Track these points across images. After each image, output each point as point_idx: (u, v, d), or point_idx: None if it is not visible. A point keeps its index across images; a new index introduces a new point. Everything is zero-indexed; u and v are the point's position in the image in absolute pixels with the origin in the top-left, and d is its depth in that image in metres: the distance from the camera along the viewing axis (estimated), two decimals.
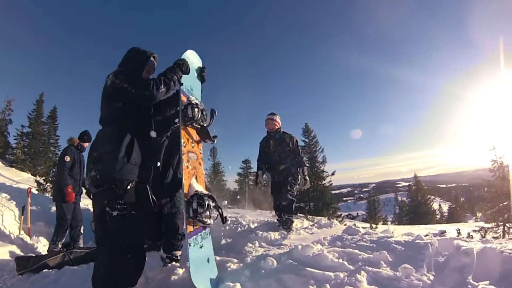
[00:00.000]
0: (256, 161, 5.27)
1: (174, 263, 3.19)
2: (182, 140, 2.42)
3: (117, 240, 2.00)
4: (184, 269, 2.84)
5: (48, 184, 12.75)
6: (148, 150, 2.28)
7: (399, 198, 65.22)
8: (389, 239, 2.94)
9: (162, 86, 2.15)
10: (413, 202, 39.58)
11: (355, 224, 10.82)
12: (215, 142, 2.79)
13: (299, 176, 4.93)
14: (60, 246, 5.09)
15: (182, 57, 2.52)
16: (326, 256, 2.52)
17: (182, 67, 2.35)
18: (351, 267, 2.35)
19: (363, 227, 13.12)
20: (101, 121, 2.27)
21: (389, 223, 38.17)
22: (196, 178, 2.53)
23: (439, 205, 55.22)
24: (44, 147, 24.85)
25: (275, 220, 5.05)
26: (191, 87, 2.75)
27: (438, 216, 44.75)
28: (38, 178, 14.05)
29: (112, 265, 2.01)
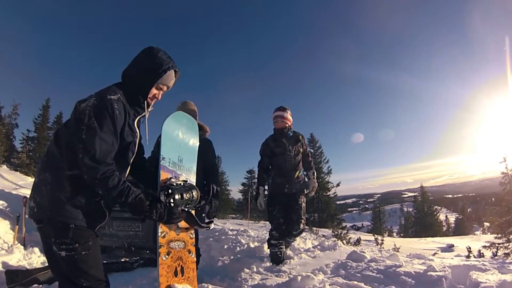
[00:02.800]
0: (257, 171, 4.34)
1: None
2: (160, 230, 2.00)
3: (74, 283, 1.65)
4: None
5: None
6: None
7: (405, 209, 64.40)
8: (397, 269, 2.67)
9: (116, 192, 1.56)
10: (419, 213, 38.96)
11: (359, 238, 10.52)
12: (209, 228, 2.41)
13: (310, 183, 4.08)
14: None
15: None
16: None
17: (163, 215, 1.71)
18: None
19: (367, 240, 12.82)
20: (57, 136, 1.74)
21: (394, 234, 37.63)
22: (182, 271, 2.12)
23: (446, 216, 54.31)
24: None
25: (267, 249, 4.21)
26: (180, 157, 2.23)
27: (444, 228, 44.03)
28: None
29: None
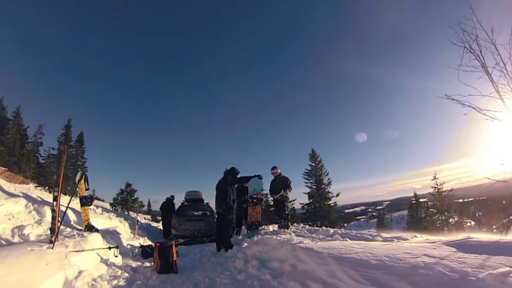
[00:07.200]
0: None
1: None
2: (250, 212, 7.27)
3: (230, 227, 6.80)
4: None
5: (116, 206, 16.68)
6: (238, 202, 7.41)
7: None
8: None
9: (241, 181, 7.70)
10: (413, 218, 41.79)
11: None
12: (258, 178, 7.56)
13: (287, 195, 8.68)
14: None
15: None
16: None
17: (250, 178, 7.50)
18: None
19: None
20: (222, 191, 7.17)
21: None
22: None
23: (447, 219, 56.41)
24: (73, 168, 26.27)
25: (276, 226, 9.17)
26: (254, 189, 7.61)
27: (446, 230, 46.47)
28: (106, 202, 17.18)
29: (228, 235, 7.05)
